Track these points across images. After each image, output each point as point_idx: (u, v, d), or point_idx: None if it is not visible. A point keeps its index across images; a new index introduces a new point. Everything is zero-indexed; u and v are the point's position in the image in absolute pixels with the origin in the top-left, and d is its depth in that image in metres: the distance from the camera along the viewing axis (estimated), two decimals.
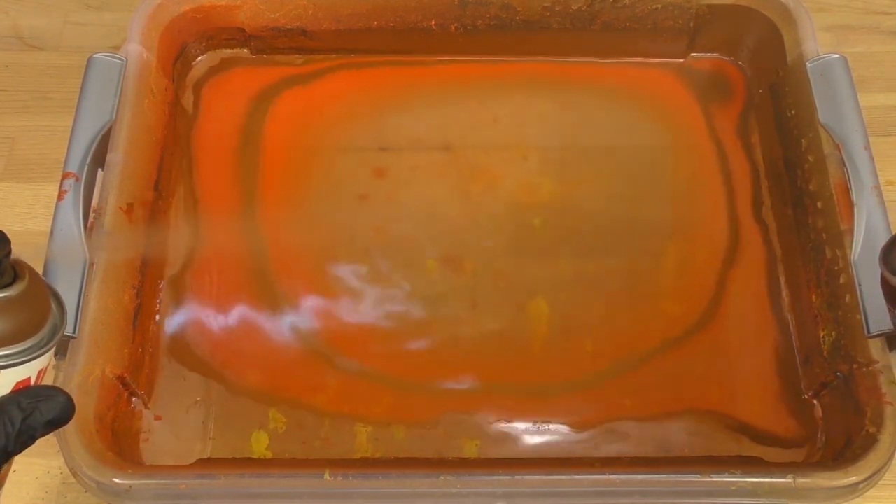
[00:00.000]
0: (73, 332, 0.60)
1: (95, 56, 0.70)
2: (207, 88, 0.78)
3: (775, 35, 0.75)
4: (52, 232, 0.62)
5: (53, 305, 0.47)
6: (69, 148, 0.66)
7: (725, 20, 0.78)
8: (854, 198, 0.64)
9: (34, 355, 0.45)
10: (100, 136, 0.66)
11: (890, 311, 0.54)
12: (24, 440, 0.43)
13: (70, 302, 0.60)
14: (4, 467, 0.46)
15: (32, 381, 0.46)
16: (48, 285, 0.48)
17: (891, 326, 0.58)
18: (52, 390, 0.44)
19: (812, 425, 0.65)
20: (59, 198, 0.63)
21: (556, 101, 0.78)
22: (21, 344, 0.45)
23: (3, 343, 0.44)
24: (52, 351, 0.47)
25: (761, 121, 0.76)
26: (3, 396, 0.44)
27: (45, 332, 0.46)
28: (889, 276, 0.51)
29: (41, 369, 0.47)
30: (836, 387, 0.63)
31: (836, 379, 0.63)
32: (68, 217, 0.63)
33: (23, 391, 0.44)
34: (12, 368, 0.45)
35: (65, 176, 0.64)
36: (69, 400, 0.44)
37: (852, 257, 0.63)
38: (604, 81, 0.79)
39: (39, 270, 0.60)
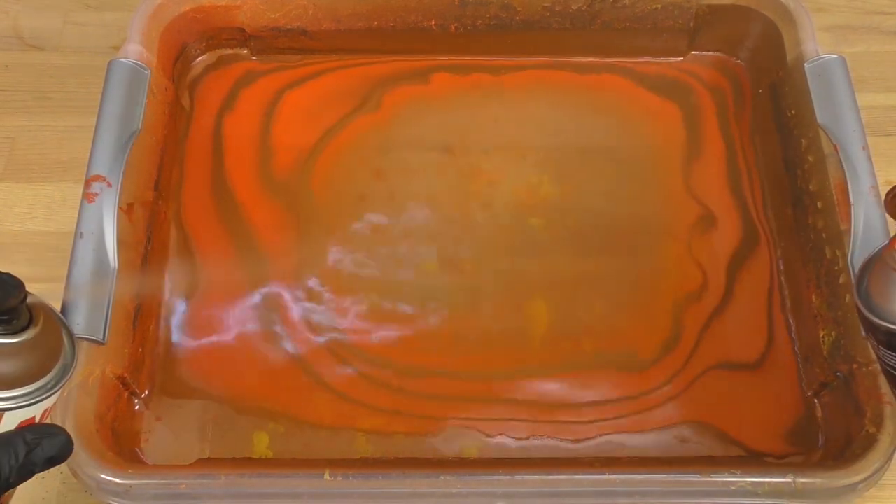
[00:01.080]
0: (103, 339, 0.60)
1: (122, 61, 0.69)
2: (207, 88, 0.78)
3: (775, 35, 0.75)
4: (81, 234, 0.62)
5: (66, 345, 0.48)
6: (94, 150, 0.66)
7: (725, 20, 0.78)
8: (851, 198, 0.64)
9: (40, 398, 0.46)
10: (130, 145, 0.66)
11: (871, 342, 0.54)
12: (24, 473, 0.45)
13: (100, 307, 0.60)
14: (4, 496, 0.47)
15: (36, 420, 0.47)
16: (62, 323, 0.48)
17: None
18: (55, 429, 0.46)
19: (812, 425, 0.65)
20: (90, 200, 0.63)
21: (556, 101, 0.78)
22: (29, 386, 0.45)
23: (11, 385, 0.45)
24: (59, 392, 0.47)
25: (761, 121, 0.76)
26: (10, 431, 0.45)
27: (53, 374, 0.46)
28: (862, 307, 0.51)
29: (47, 409, 0.47)
30: (836, 387, 0.63)
31: (836, 379, 0.63)
32: (98, 221, 0.62)
33: (28, 427, 0.46)
34: (18, 411, 0.45)
35: (93, 178, 0.64)
36: (69, 440, 0.46)
37: (850, 258, 0.63)
38: (604, 81, 0.79)
39: (63, 272, 0.60)
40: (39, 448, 0.45)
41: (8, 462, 0.44)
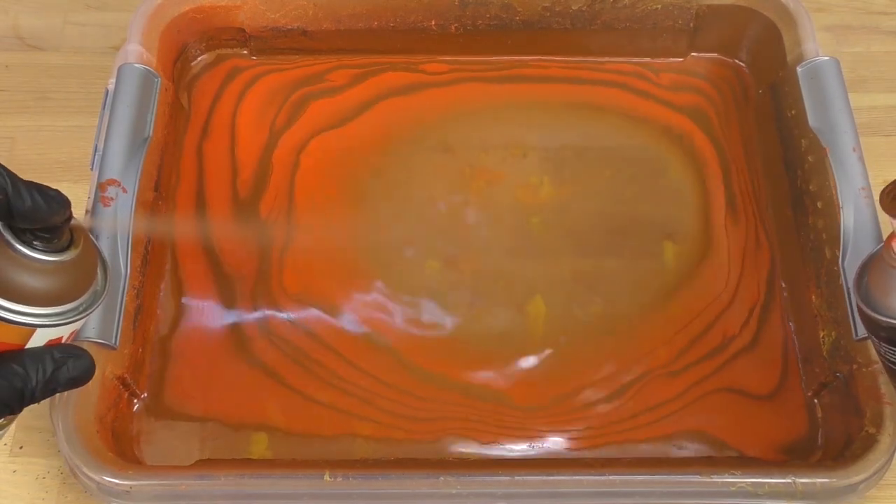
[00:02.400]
0: (115, 344, 0.60)
1: (135, 65, 0.70)
2: (207, 88, 0.78)
3: (775, 35, 0.75)
4: (96, 237, 0.61)
5: (99, 273, 0.48)
6: (107, 152, 0.66)
7: (725, 20, 0.78)
8: (840, 201, 0.64)
9: (72, 319, 0.47)
10: (145, 154, 0.67)
11: (871, 339, 0.55)
12: (47, 391, 0.46)
13: (112, 312, 0.61)
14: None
15: (63, 340, 0.47)
16: (99, 251, 0.49)
17: None
18: (81, 350, 0.47)
19: (812, 425, 0.65)
20: (105, 203, 0.63)
21: (557, 101, 0.78)
22: (63, 306, 0.46)
23: (46, 303, 0.45)
24: (88, 316, 0.48)
25: (761, 121, 0.76)
26: (39, 347, 0.46)
27: (86, 297, 0.47)
28: (862, 305, 0.52)
29: (73, 331, 0.48)
30: (836, 387, 0.63)
31: (836, 379, 0.63)
32: (112, 225, 0.63)
33: (56, 346, 0.47)
34: (50, 328, 0.46)
35: (108, 182, 0.64)
36: (93, 364, 0.47)
37: (841, 262, 0.63)
38: (604, 82, 0.79)
39: None
40: (65, 367, 0.46)
41: (36, 375, 0.45)
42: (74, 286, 0.47)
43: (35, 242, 0.45)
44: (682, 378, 0.66)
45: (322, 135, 0.76)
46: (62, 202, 0.45)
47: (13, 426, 0.51)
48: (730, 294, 0.70)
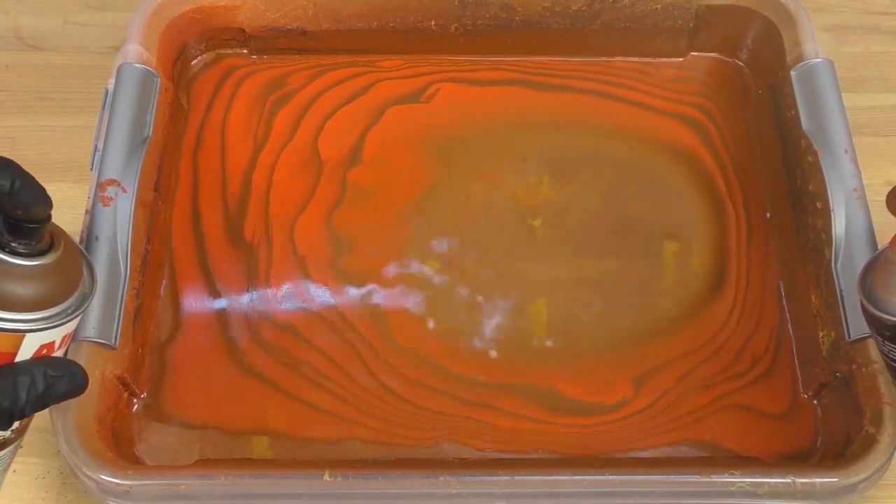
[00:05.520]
0: (115, 344, 0.60)
1: (135, 65, 0.70)
2: (207, 88, 0.78)
3: (775, 35, 0.75)
4: (96, 237, 0.62)
5: (85, 274, 0.49)
6: (107, 152, 0.66)
7: (725, 20, 0.78)
8: (832, 205, 0.64)
9: (60, 322, 0.47)
10: (144, 154, 0.67)
11: (875, 338, 0.55)
12: (38, 406, 0.47)
13: (111, 312, 0.61)
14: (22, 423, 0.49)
15: (56, 345, 0.48)
16: (82, 253, 0.49)
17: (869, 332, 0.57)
18: (76, 367, 0.48)
19: (811, 426, 0.65)
20: (105, 203, 0.64)
21: (556, 102, 0.78)
22: (50, 310, 0.46)
23: (32, 308, 0.46)
24: (78, 318, 0.48)
25: (761, 121, 0.76)
26: (34, 362, 0.47)
27: (73, 300, 0.48)
28: (866, 303, 0.53)
29: (66, 334, 0.48)
30: (836, 387, 0.63)
31: (836, 379, 0.63)
32: (112, 225, 0.63)
33: (52, 362, 0.47)
34: (39, 333, 0.46)
35: (108, 182, 0.64)
36: (86, 380, 0.48)
37: (833, 264, 0.63)
38: (604, 81, 0.79)
39: None
40: (58, 384, 0.47)
41: (26, 394, 0.45)
42: (59, 289, 0.47)
43: (14, 246, 0.45)
44: (710, 392, 0.66)
45: (319, 135, 0.76)
46: (46, 197, 0.45)
47: (14, 446, 0.51)
48: (755, 319, 0.69)
